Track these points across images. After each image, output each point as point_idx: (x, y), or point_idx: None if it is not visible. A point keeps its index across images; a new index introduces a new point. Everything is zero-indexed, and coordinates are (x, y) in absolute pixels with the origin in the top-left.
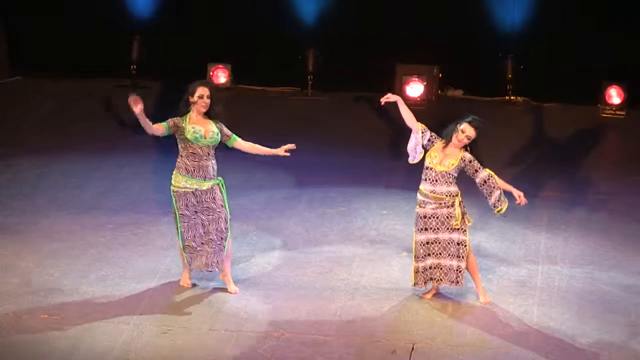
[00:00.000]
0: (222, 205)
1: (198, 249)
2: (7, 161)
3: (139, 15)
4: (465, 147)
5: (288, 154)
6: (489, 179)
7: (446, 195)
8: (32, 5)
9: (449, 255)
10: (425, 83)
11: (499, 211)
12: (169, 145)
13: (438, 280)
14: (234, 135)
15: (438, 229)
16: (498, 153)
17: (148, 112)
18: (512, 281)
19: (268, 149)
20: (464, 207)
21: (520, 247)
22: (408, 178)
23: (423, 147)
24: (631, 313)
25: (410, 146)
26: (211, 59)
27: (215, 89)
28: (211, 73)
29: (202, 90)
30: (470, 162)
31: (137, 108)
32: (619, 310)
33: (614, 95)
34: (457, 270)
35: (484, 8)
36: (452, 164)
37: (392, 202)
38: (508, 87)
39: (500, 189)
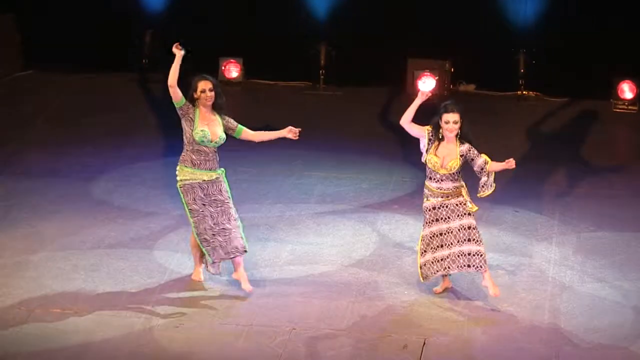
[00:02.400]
0: (228, 197)
1: (211, 241)
2: (20, 155)
3: (152, 9)
4: (458, 135)
5: (293, 136)
6: (484, 166)
7: (453, 189)
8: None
9: (459, 241)
10: (437, 78)
11: (480, 195)
12: (180, 140)
13: (446, 268)
14: (239, 125)
15: (449, 217)
16: (509, 147)
17: (159, 107)
18: (523, 276)
19: (273, 132)
20: (469, 195)
21: (531, 242)
22: (420, 173)
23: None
24: None
25: (421, 146)
26: (223, 53)
27: (216, 81)
28: (223, 67)
29: (203, 85)
30: (468, 151)
31: (180, 52)
32: (630, 305)
33: (627, 90)
34: (468, 254)
35: (497, 2)
36: (454, 166)
37: (404, 197)
38: (520, 82)
39: (492, 174)
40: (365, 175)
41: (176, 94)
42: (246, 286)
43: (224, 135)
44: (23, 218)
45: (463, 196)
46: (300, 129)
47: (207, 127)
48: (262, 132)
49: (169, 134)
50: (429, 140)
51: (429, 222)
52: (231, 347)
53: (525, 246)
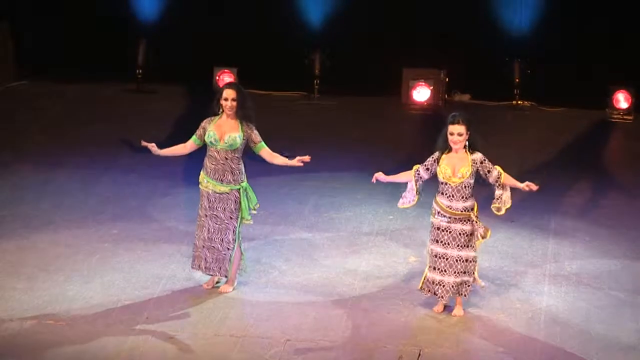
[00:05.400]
0: (230, 218)
1: (199, 250)
2: (13, 166)
3: (145, 19)
4: (467, 146)
5: (302, 164)
6: (499, 179)
7: (462, 211)
8: (38, 9)
9: (455, 272)
10: (432, 87)
11: (496, 209)
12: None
13: (441, 297)
14: (261, 142)
15: (448, 244)
16: (505, 157)
17: (154, 117)
18: (518, 286)
19: (285, 160)
20: (479, 220)
21: (527, 252)
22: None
23: (430, 175)
24: (639, 318)
25: (405, 192)
26: (217, 63)
27: (242, 91)
28: (217, 77)
29: (226, 93)
30: (482, 162)
31: (153, 149)
32: (627, 315)
33: (622, 100)
34: (460, 284)
35: (491, 11)
36: (466, 172)
37: (399, 208)
38: (515, 91)
39: (507, 189)
40: (360, 186)
41: (191, 147)
42: (223, 287)
43: (238, 141)
44: (16, 229)
45: (470, 222)
46: (309, 157)
47: (220, 129)
48: (276, 155)
49: (164, 145)
50: (429, 169)
51: (432, 240)
52: (225, 358)
53: (520, 256)
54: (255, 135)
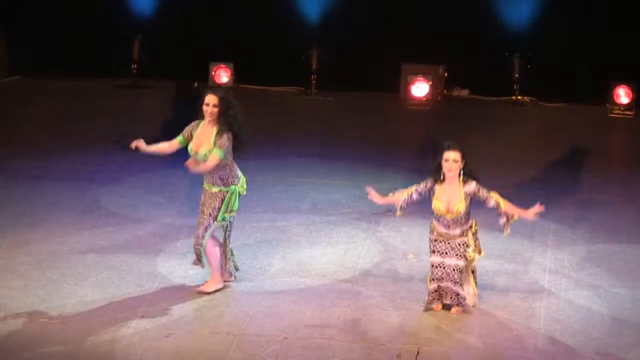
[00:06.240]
0: (210, 214)
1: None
2: (6, 162)
3: (140, 14)
4: (461, 174)
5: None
6: (498, 207)
7: (460, 233)
8: (31, 4)
9: (452, 280)
10: (430, 83)
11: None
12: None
13: (439, 297)
14: (218, 149)
15: (446, 253)
16: (504, 153)
17: (149, 112)
18: (518, 284)
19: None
20: (477, 237)
21: (527, 250)
22: (414, 180)
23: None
24: None
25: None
26: (213, 58)
27: (225, 98)
28: (213, 72)
29: (207, 98)
30: (476, 192)
31: (142, 146)
32: (627, 314)
33: (622, 95)
34: (457, 294)
35: (491, 6)
36: (460, 208)
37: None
38: (515, 87)
39: (511, 217)
40: (358, 182)
41: (175, 146)
42: (202, 287)
43: (209, 151)
44: (9, 226)
45: (468, 238)
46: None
47: (199, 139)
48: (205, 166)
49: (158, 141)
50: (422, 193)
51: (430, 251)
52: (222, 356)
53: (520, 254)
54: (222, 140)
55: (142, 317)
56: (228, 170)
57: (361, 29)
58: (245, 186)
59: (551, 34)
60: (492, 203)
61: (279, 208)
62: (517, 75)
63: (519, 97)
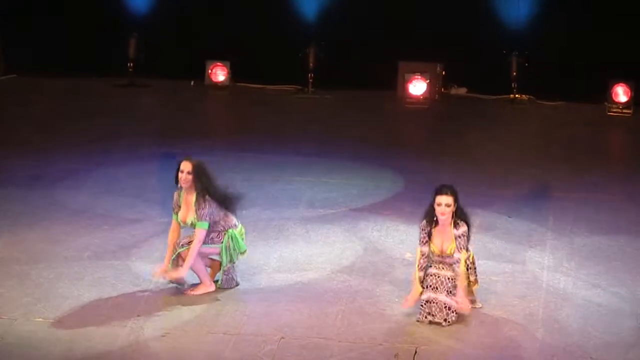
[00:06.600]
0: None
1: None
2: (2, 161)
3: (137, 12)
4: (454, 216)
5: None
6: (456, 264)
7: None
8: (27, 2)
9: (446, 290)
10: (428, 81)
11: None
12: (167, 146)
13: (433, 314)
14: (200, 222)
15: (436, 289)
16: (502, 152)
17: (146, 111)
18: (516, 283)
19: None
20: (473, 269)
21: (525, 249)
22: (411, 179)
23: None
24: (639, 316)
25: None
26: (210, 56)
27: (199, 165)
28: (210, 71)
29: (182, 165)
30: (459, 237)
31: (177, 276)
32: (626, 313)
33: (621, 94)
34: (449, 308)
35: (489, 4)
36: (452, 249)
37: (395, 204)
38: (513, 85)
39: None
40: (355, 181)
41: (178, 227)
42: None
43: (193, 219)
44: (5, 225)
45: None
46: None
47: (184, 208)
48: (192, 249)
49: (155, 141)
50: (426, 233)
51: (424, 287)
52: (218, 356)
53: (518, 252)
54: (202, 212)
55: (138, 316)
56: (220, 225)
57: (358, 27)
58: (243, 236)
59: (549, 31)
60: (455, 257)
61: (276, 207)
62: (515, 74)
63: (517, 96)
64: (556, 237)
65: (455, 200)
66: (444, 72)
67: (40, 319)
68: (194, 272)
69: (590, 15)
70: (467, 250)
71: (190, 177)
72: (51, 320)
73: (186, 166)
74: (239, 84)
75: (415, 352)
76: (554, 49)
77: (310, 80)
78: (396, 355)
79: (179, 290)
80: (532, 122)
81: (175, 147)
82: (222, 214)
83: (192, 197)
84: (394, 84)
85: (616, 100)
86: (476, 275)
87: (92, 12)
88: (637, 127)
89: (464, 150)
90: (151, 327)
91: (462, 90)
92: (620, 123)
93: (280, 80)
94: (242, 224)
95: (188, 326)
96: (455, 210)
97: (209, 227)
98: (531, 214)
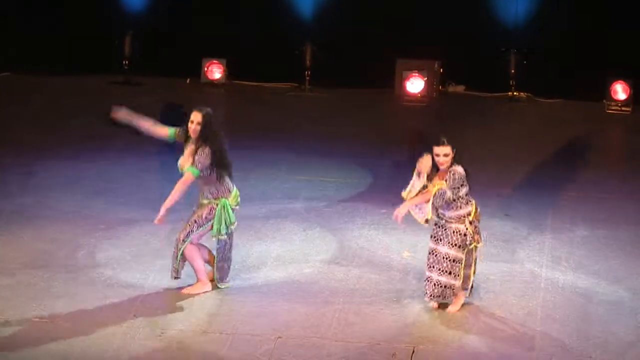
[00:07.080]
0: (195, 222)
1: None
2: None
3: (132, 9)
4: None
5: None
6: (424, 188)
7: (456, 219)
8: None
9: (440, 270)
10: (426, 78)
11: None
12: (162, 144)
13: (425, 293)
14: (192, 167)
15: (440, 239)
16: (500, 149)
17: (141, 109)
18: (515, 282)
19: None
20: (475, 226)
21: (523, 247)
22: (408, 176)
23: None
24: (638, 314)
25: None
26: (206, 54)
27: (208, 114)
28: (206, 68)
29: (193, 115)
30: (449, 173)
31: (123, 116)
32: (625, 312)
33: (620, 91)
34: (444, 286)
35: (487, 1)
36: (441, 185)
37: (392, 201)
38: (511, 83)
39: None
40: (352, 179)
41: (162, 131)
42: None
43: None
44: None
45: (465, 226)
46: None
47: (185, 155)
48: (177, 190)
49: (150, 139)
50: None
51: (430, 236)
52: (215, 356)
53: (516, 251)
54: (198, 157)
55: (134, 316)
56: (216, 187)
57: (355, 25)
58: (238, 200)
59: (548, 29)
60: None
61: (272, 205)
62: (513, 71)
63: (515, 93)
64: (554, 236)
65: (453, 148)
66: (441, 70)
67: (35, 319)
68: (193, 269)
69: (589, 13)
70: (457, 190)
71: (199, 127)
72: (46, 321)
73: (196, 117)
74: (235, 81)
75: (413, 351)
76: (552, 46)
77: (307, 78)
78: (394, 355)
79: (176, 290)
80: (531, 119)
81: (171, 145)
82: (215, 175)
83: (194, 148)
84: (392, 81)
85: (615, 97)
86: (479, 234)
87: (87, 10)
88: (635, 125)
89: (462, 148)
90: (147, 327)
91: (460, 88)
92: (619, 121)
93: (277, 78)
94: (236, 188)
95: (184, 326)
96: (454, 157)
97: (198, 174)
98: (529, 212)
